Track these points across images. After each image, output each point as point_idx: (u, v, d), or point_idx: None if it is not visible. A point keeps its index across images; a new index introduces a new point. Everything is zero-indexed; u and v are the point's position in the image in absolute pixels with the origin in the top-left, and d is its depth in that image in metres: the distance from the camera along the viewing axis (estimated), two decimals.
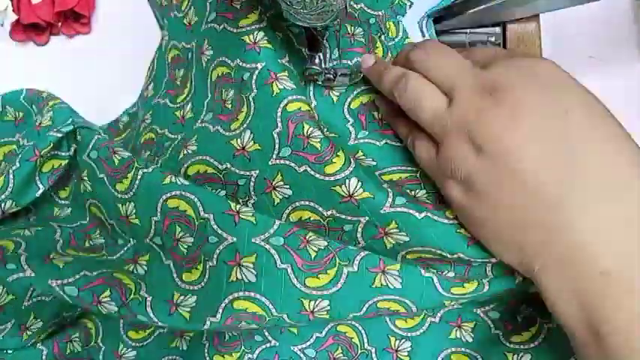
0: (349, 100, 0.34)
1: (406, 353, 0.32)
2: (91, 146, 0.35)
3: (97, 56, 0.46)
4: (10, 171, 0.35)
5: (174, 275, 0.31)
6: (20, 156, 0.36)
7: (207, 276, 0.30)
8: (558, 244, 0.24)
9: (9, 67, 0.46)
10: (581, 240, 0.24)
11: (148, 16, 0.45)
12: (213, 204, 0.30)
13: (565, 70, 0.26)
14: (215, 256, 0.30)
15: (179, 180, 0.31)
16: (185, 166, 0.33)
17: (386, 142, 0.33)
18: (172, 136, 0.36)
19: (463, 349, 0.32)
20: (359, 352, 0.32)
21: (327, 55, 0.33)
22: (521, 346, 0.30)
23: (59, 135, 0.36)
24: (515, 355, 0.30)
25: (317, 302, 0.28)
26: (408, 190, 0.30)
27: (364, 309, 0.29)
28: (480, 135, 0.25)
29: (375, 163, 0.32)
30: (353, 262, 0.29)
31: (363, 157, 0.32)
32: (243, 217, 0.30)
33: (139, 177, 0.32)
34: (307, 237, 0.29)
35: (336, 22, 0.29)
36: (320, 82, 0.33)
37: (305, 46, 0.33)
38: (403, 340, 0.32)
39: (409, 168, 0.32)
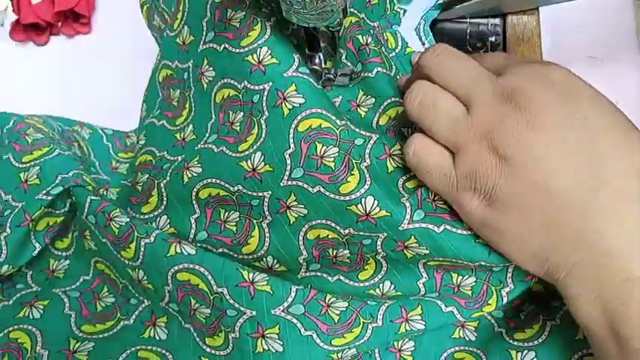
0: (377, 115, 0.32)
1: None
2: (86, 210, 0.33)
3: (97, 56, 0.46)
4: (2, 237, 0.33)
5: (198, 340, 0.31)
6: (10, 221, 0.33)
7: (231, 345, 0.30)
8: (583, 249, 0.24)
9: (9, 67, 0.46)
10: (606, 244, 0.23)
11: None
12: (224, 276, 0.30)
13: (579, 77, 0.26)
14: (237, 328, 0.29)
15: (184, 249, 0.31)
16: (195, 190, 0.32)
17: None
18: (172, 158, 0.35)
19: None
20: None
21: (338, 59, 0.33)
22: (525, 344, 0.30)
23: (49, 198, 0.33)
24: (519, 353, 0.30)
25: (344, 352, 0.29)
26: (425, 197, 0.29)
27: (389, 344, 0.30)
28: (502, 142, 0.25)
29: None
30: (377, 318, 0.29)
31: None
32: (258, 287, 0.29)
33: (142, 248, 0.31)
34: (327, 300, 0.29)
35: (337, 21, 0.29)
36: (320, 83, 0.33)
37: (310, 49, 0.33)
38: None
39: None
